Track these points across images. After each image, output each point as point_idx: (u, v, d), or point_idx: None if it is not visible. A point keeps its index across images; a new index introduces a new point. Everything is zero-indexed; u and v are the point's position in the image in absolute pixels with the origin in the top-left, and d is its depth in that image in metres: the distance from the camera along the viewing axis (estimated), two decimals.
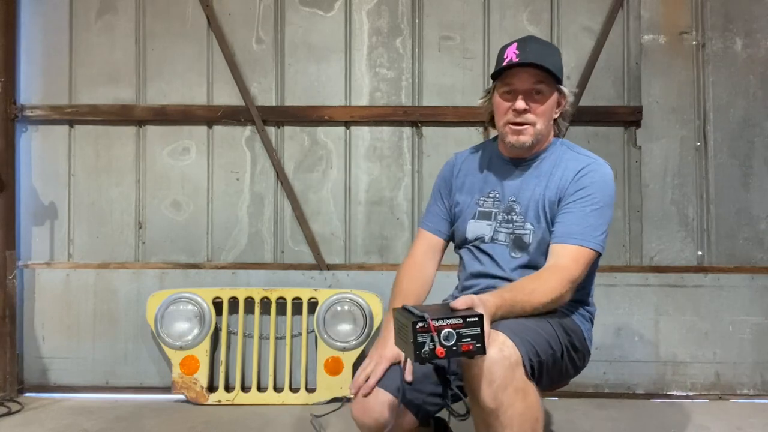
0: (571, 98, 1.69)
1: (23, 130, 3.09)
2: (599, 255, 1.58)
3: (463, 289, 1.73)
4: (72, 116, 3.06)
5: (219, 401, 2.87)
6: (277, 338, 2.97)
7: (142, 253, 3.09)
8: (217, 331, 2.97)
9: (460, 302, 1.27)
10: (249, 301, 2.96)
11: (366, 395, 1.45)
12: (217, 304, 2.95)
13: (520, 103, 1.59)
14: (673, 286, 2.99)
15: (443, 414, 1.58)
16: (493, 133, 1.79)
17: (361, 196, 3.08)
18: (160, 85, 3.09)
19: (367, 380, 1.46)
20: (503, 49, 1.64)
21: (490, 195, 1.70)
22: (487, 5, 3.06)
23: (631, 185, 3.03)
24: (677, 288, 2.99)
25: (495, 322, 1.35)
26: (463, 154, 1.84)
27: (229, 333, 2.98)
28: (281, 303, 2.97)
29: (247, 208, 3.09)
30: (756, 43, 3.03)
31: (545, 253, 1.58)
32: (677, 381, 2.98)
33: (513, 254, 1.64)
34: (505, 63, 1.60)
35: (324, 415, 2.66)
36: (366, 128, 3.08)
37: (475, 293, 1.41)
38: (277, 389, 2.92)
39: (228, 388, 2.93)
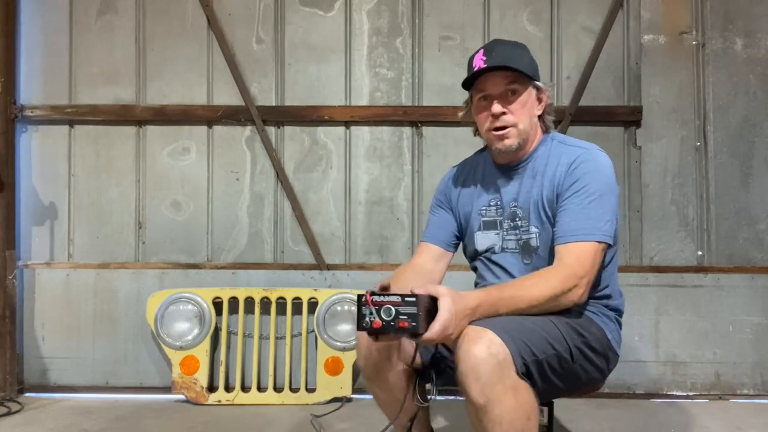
0: (549, 92, 1.66)
1: (23, 130, 3.09)
2: (609, 246, 1.53)
3: None
4: (72, 116, 3.06)
5: (219, 401, 2.87)
6: (277, 338, 2.97)
7: (142, 253, 3.09)
8: (217, 331, 2.97)
9: (423, 288, 1.31)
10: (249, 301, 2.96)
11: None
12: (217, 304, 2.95)
13: (496, 107, 1.58)
14: (673, 286, 2.99)
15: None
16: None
17: (361, 196, 3.08)
18: (160, 85, 3.10)
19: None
20: (471, 58, 1.63)
21: (491, 204, 1.69)
22: (487, 5, 3.06)
23: (631, 185, 3.03)
24: (677, 288, 2.99)
25: (485, 319, 1.35)
26: (458, 167, 1.83)
27: (229, 333, 2.98)
28: (281, 303, 2.97)
29: (247, 208, 3.09)
30: (756, 43, 3.03)
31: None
32: (677, 381, 2.98)
33: (525, 261, 1.62)
34: (475, 70, 1.59)
35: (324, 415, 2.66)
36: (366, 128, 3.08)
37: None
38: (277, 389, 2.92)
39: (228, 388, 2.93)
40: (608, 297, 1.64)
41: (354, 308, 2.89)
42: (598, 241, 1.49)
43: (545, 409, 1.82)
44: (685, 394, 2.97)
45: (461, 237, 1.77)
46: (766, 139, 3.02)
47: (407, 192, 3.07)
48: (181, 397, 2.89)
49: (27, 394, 2.99)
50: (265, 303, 2.96)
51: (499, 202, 1.67)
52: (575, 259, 1.47)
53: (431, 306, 1.30)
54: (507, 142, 1.60)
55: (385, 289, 1.35)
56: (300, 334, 2.97)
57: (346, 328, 2.90)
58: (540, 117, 1.66)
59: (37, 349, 3.06)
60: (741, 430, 2.52)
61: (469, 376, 1.28)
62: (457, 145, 3.03)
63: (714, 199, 3.01)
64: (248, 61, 3.09)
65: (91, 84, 3.10)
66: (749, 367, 2.97)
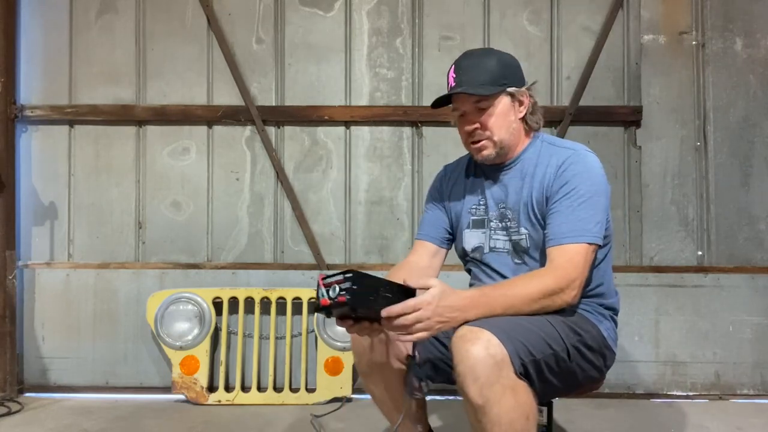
0: (532, 90, 1.66)
1: (23, 130, 3.09)
2: (600, 246, 1.55)
3: None
4: (72, 116, 3.06)
5: (219, 401, 2.88)
6: (277, 338, 2.97)
7: (142, 253, 3.09)
8: (217, 331, 2.97)
9: (415, 282, 1.36)
10: (249, 301, 2.96)
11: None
12: (217, 304, 2.95)
13: (468, 126, 1.63)
14: (673, 286, 2.99)
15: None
16: None
17: (361, 196, 3.08)
18: (160, 85, 3.10)
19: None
20: (448, 71, 1.66)
21: (481, 203, 1.71)
22: (487, 5, 3.06)
23: (631, 185, 3.03)
24: (677, 288, 2.99)
25: (482, 319, 1.36)
26: (450, 166, 1.86)
27: (229, 333, 2.98)
28: (281, 303, 2.97)
29: (247, 208, 3.09)
30: (756, 43, 3.03)
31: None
32: (677, 381, 2.98)
33: (516, 260, 1.64)
34: (448, 89, 1.64)
35: (324, 415, 2.66)
36: (366, 128, 3.08)
37: None
38: (277, 389, 2.92)
39: (228, 388, 2.93)
40: (602, 295, 1.65)
41: None
42: (589, 243, 1.51)
43: (544, 409, 1.82)
44: (685, 394, 2.97)
45: (453, 234, 1.79)
46: (766, 139, 3.02)
47: (407, 192, 3.07)
48: (181, 397, 2.89)
49: (27, 394, 2.99)
50: (265, 303, 2.96)
51: (487, 202, 1.69)
52: (566, 260, 1.48)
53: (397, 291, 1.34)
54: (484, 153, 1.63)
55: None
56: (300, 334, 2.97)
57: None
58: (524, 119, 1.66)
59: (37, 349, 3.06)
60: (741, 430, 2.52)
61: (468, 377, 1.28)
62: (457, 145, 2.98)
63: (714, 199, 3.01)
64: (248, 61, 3.09)
65: (91, 84, 3.10)
66: (749, 367, 2.97)
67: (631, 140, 3.04)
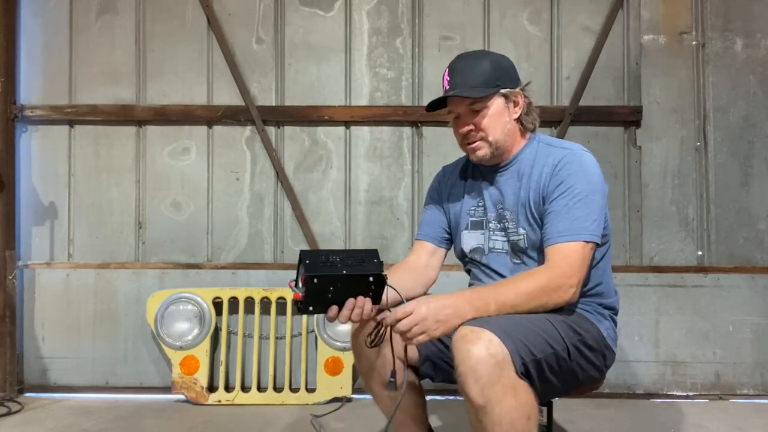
0: (527, 91, 1.67)
1: (23, 130, 3.09)
2: (598, 245, 1.55)
3: None
4: (72, 116, 3.06)
5: (219, 401, 2.87)
6: (277, 338, 2.97)
7: (142, 253, 3.09)
8: (217, 331, 2.97)
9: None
10: (249, 301, 2.96)
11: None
12: (217, 304, 2.95)
13: (462, 127, 1.65)
14: (673, 286, 2.99)
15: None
16: None
17: (361, 196, 3.08)
18: (160, 85, 3.10)
19: None
20: (443, 74, 1.67)
21: (479, 205, 1.71)
22: (487, 5, 3.06)
23: (631, 185, 3.03)
24: (677, 288, 2.99)
25: (482, 318, 1.36)
26: (449, 167, 1.87)
27: (229, 333, 2.98)
28: (281, 303, 2.97)
29: (247, 208, 3.09)
30: (756, 43, 3.03)
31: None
32: (677, 381, 2.98)
33: (514, 260, 1.64)
34: (443, 91, 1.66)
35: (324, 415, 2.66)
36: (366, 128, 3.08)
37: None
38: (277, 389, 2.92)
39: (228, 388, 2.93)
40: (601, 295, 1.66)
41: None
42: (586, 241, 1.51)
43: (545, 409, 1.82)
44: (685, 394, 2.97)
45: (451, 234, 1.80)
46: (766, 139, 3.02)
47: (407, 192, 3.07)
48: (181, 397, 2.89)
49: (27, 394, 2.99)
50: (265, 303, 2.96)
51: (485, 203, 1.70)
52: (563, 258, 1.49)
53: (360, 282, 1.42)
54: (479, 153, 1.64)
55: None
56: (300, 334, 2.97)
57: (346, 328, 2.90)
58: (519, 119, 1.66)
59: (37, 349, 3.06)
60: (741, 430, 2.52)
61: (469, 377, 1.28)
62: (456, 145, 3.01)
63: (714, 199, 3.01)
64: (248, 61, 3.09)
65: (91, 84, 3.10)
66: (749, 367, 2.97)
67: (631, 140, 3.04)
